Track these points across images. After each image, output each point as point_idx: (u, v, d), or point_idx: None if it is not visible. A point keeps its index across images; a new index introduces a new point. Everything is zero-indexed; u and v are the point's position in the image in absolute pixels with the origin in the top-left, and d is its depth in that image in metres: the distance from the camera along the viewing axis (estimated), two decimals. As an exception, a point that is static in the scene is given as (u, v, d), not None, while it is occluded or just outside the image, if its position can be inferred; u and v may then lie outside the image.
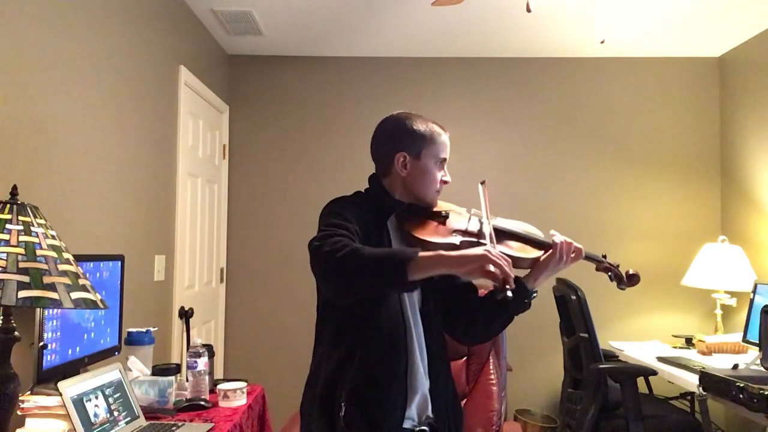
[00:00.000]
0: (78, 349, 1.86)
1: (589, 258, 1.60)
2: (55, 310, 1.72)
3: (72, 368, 1.80)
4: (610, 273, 1.64)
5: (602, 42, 3.44)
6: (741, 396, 2.07)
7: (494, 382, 2.23)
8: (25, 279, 1.27)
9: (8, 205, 1.38)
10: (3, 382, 1.34)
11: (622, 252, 3.85)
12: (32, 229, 1.37)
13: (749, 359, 2.78)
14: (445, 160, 1.60)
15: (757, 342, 2.68)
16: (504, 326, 1.61)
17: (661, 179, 3.98)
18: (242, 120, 4.05)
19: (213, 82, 3.70)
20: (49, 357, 1.70)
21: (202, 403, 1.97)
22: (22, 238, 1.33)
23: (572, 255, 1.53)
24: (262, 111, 4.06)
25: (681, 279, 3.59)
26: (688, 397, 3.27)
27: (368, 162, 1.64)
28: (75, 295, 1.33)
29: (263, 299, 3.98)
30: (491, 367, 2.26)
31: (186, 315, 3.07)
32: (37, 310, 1.63)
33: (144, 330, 2.19)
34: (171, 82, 3.05)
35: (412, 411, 1.49)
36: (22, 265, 1.29)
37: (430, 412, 1.52)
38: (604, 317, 3.78)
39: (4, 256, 1.28)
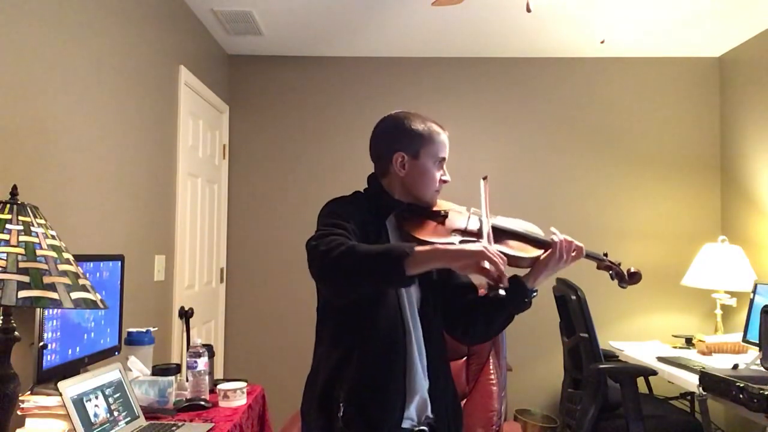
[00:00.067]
0: (78, 349, 1.86)
1: (589, 256, 1.59)
2: (55, 310, 1.72)
3: (72, 368, 1.80)
4: (611, 271, 1.63)
5: (602, 42, 3.45)
6: (741, 396, 2.07)
7: (494, 382, 2.23)
8: (25, 279, 1.27)
9: (8, 205, 1.37)
10: (3, 382, 1.34)
11: (622, 252, 3.85)
12: (32, 229, 1.37)
13: (749, 359, 2.78)
14: (444, 159, 1.59)
15: (757, 342, 2.68)
16: (504, 326, 1.60)
17: (661, 179, 3.98)
18: (242, 120, 4.05)
19: (213, 82, 3.70)
20: (49, 357, 1.70)
21: (202, 403, 1.97)
22: (22, 238, 1.33)
23: (573, 254, 1.52)
24: (262, 111, 4.06)
25: (681, 279, 3.59)
26: (688, 397, 3.27)
27: (368, 162, 1.64)
28: (75, 295, 1.33)
29: (263, 299, 3.98)
30: (491, 367, 2.26)
31: (186, 315, 3.07)
32: (37, 310, 1.63)
33: (144, 330, 2.19)
34: (171, 82, 3.05)
35: (411, 411, 1.49)
36: (22, 265, 1.29)
37: (429, 413, 1.51)
38: (604, 317, 3.78)
39: (4, 256, 1.28)
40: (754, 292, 3.13)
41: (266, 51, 4.00)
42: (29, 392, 1.65)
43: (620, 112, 4.02)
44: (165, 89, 2.97)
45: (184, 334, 3.07)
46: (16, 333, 1.38)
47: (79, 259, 1.53)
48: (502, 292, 1.26)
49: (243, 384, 2.10)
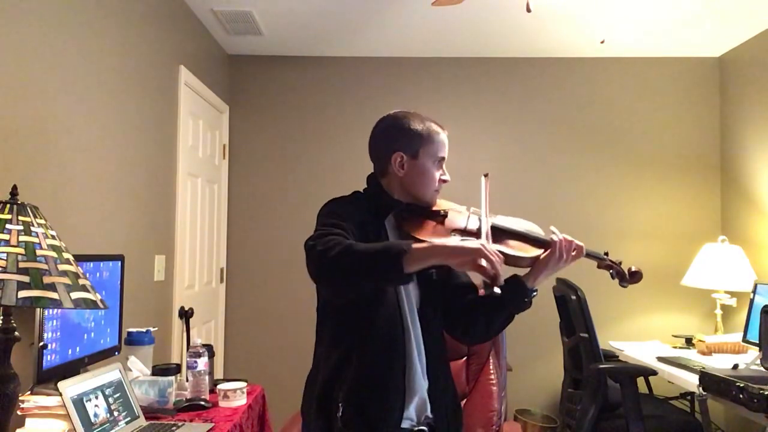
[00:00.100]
0: (78, 349, 1.86)
1: (590, 256, 1.59)
2: (55, 310, 1.72)
3: (72, 368, 1.80)
4: (611, 270, 1.62)
5: (602, 42, 3.44)
6: (741, 396, 2.07)
7: (494, 382, 2.23)
8: (25, 279, 1.27)
9: (8, 205, 1.37)
10: (3, 382, 1.34)
11: (622, 252, 3.79)
12: (32, 229, 1.37)
13: (749, 359, 2.78)
14: (443, 159, 1.58)
15: (757, 342, 2.68)
16: (504, 326, 1.60)
17: (661, 179, 3.98)
18: (242, 120, 4.05)
19: (213, 82, 3.70)
20: (49, 357, 1.70)
21: (202, 403, 1.97)
22: (22, 238, 1.33)
23: (573, 253, 1.51)
24: (262, 111, 4.06)
25: (681, 279, 3.59)
26: (688, 397, 3.27)
27: (368, 162, 1.64)
28: (75, 295, 1.33)
29: (263, 299, 3.98)
30: (491, 367, 2.26)
31: (186, 315, 3.08)
32: (37, 310, 1.63)
33: (144, 330, 2.19)
34: (171, 82, 3.05)
35: (411, 411, 1.48)
36: (22, 265, 1.29)
37: (429, 413, 1.51)
38: (604, 317, 3.78)
39: (4, 256, 1.28)
40: (754, 292, 3.13)
41: (266, 51, 4.00)
42: (29, 392, 1.65)
43: (620, 112, 4.02)
44: (165, 89, 2.97)
45: (184, 334, 3.07)
46: (16, 333, 1.38)
47: (79, 259, 1.53)
48: (497, 290, 1.27)
49: (243, 384, 2.10)
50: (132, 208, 2.60)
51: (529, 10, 2.44)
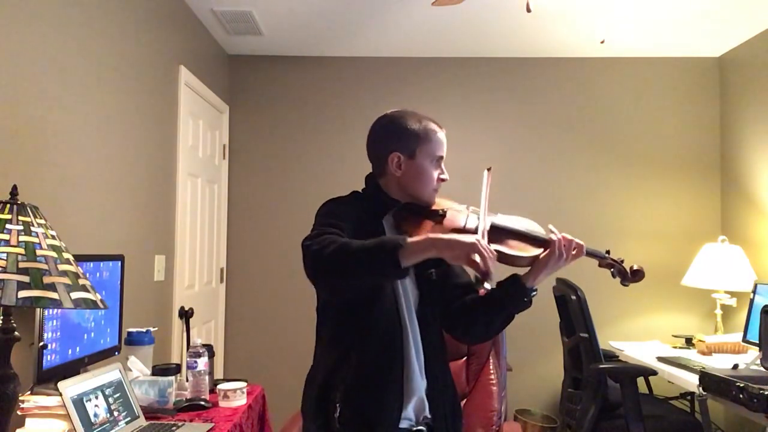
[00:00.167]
0: (78, 349, 1.86)
1: (591, 254, 1.57)
2: (55, 310, 1.72)
3: (72, 368, 1.80)
4: (613, 269, 1.61)
5: (602, 42, 3.44)
6: (741, 396, 2.07)
7: (494, 382, 2.23)
8: (25, 279, 1.27)
9: (8, 205, 1.37)
10: (3, 382, 1.34)
11: (621, 252, 3.76)
12: (32, 229, 1.37)
13: (749, 359, 2.78)
14: (441, 158, 1.57)
15: (757, 342, 2.68)
16: (504, 325, 1.59)
17: (661, 179, 3.98)
18: (242, 120, 4.05)
19: (213, 82, 3.70)
20: (49, 357, 1.70)
21: (202, 403, 1.97)
22: (22, 238, 1.33)
23: (573, 252, 1.50)
24: (262, 111, 4.07)
25: (681, 279, 3.59)
26: (688, 397, 3.27)
27: (368, 162, 1.64)
28: (75, 295, 1.33)
29: (263, 299, 3.98)
30: (491, 367, 2.26)
31: (186, 315, 3.08)
32: (37, 310, 1.63)
33: (144, 330, 2.19)
34: (171, 82, 3.05)
35: (409, 411, 1.48)
36: (22, 265, 1.29)
37: (427, 413, 1.51)
38: (604, 317, 3.78)
39: (4, 256, 1.28)
40: (754, 292, 3.13)
41: (266, 51, 4.00)
42: (29, 392, 1.65)
43: (620, 112, 4.02)
44: (165, 89, 2.97)
45: (184, 334, 3.07)
46: (16, 333, 1.38)
47: (79, 259, 1.53)
48: (488, 286, 1.28)
49: (243, 384, 2.10)
50: (132, 208, 2.60)
51: (529, 10, 2.44)
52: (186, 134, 3.24)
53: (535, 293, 1.53)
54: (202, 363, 2.08)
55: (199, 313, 3.41)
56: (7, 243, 1.31)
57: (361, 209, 1.54)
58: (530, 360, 3.87)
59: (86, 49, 2.20)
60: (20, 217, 1.36)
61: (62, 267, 1.36)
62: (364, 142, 1.64)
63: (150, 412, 1.86)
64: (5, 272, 1.26)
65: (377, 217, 1.55)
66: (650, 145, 3.99)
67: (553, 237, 1.50)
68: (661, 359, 3.03)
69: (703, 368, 2.44)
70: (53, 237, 1.41)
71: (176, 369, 2.09)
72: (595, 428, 2.80)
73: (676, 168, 3.98)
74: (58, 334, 1.75)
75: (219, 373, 3.69)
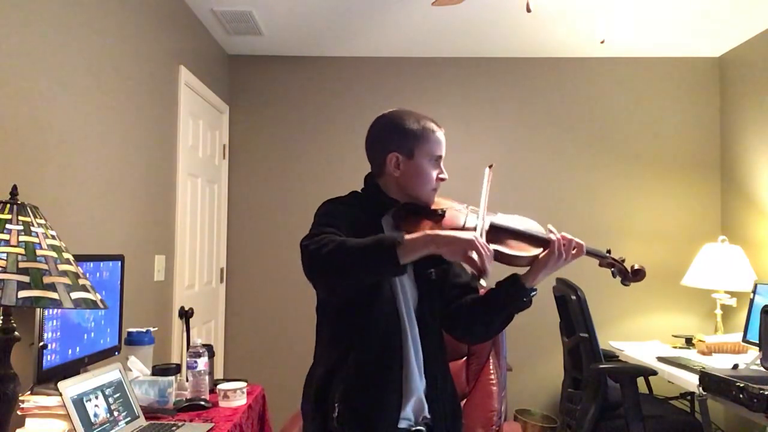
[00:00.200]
0: (78, 349, 1.86)
1: (591, 254, 1.57)
2: (55, 310, 1.72)
3: (72, 368, 1.80)
4: (613, 269, 1.61)
5: (602, 42, 3.44)
6: (741, 396, 2.07)
7: (494, 382, 2.23)
8: (25, 279, 1.27)
9: (8, 205, 1.37)
10: (3, 382, 1.34)
11: (621, 252, 3.75)
12: (32, 229, 1.37)
13: (749, 359, 2.78)
14: (440, 157, 1.56)
15: (757, 342, 2.68)
16: (504, 325, 1.59)
17: (661, 179, 3.98)
18: (242, 120, 4.05)
19: (213, 82, 3.70)
20: (49, 357, 1.70)
21: (202, 403, 1.97)
22: (22, 238, 1.33)
23: (573, 251, 1.50)
24: (262, 111, 4.07)
25: (681, 279, 3.59)
26: (688, 397, 3.27)
27: (368, 162, 1.64)
28: (75, 295, 1.33)
29: (263, 299, 3.98)
30: (491, 367, 2.26)
31: (186, 315, 3.07)
32: (37, 310, 1.63)
33: (144, 330, 2.19)
34: (171, 82, 3.05)
35: (408, 411, 1.48)
36: (22, 265, 1.29)
37: (426, 413, 1.51)
38: (604, 317, 3.78)
39: (4, 256, 1.28)
40: (754, 292, 3.13)
41: (266, 51, 4.00)
42: (29, 392, 1.65)
43: (620, 112, 4.02)
44: (165, 89, 2.97)
45: (184, 334, 3.07)
46: (16, 333, 1.38)
47: (79, 259, 1.53)
48: (483, 283, 1.28)
49: (243, 384, 2.10)
50: (132, 208, 2.60)
51: (529, 10, 2.44)
52: (186, 134, 3.24)
53: (534, 293, 1.53)
54: (202, 363, 2.07)
55: (199, 313, 3.41)
56: (7, 243, 1.31)
57: (360, 209, 1.54)
58: (530, 360, 3.87)
59: (86, 49, 2.20)
60: (20, 217, 1.36)
61: (62, 267, 1.36)
62: (364, 141, 1.64)
63: (150, 412, 1.86)
64: (5, 272, 1.26)
65: (376, 217, 1.55)
66: (650, 145, 3.99)
67: (553, 236, 1.50)
68: (661, 359, 3.03)
69: (703, 368, 2.44)
70: (53, 237, 1.41)
71: (176, 369, 2.09)
72: (595, 428, 2.80)
73: (676, 168, 3.98)
74: (58, 334, 1.75)
75: (219, 373, 3.69)
